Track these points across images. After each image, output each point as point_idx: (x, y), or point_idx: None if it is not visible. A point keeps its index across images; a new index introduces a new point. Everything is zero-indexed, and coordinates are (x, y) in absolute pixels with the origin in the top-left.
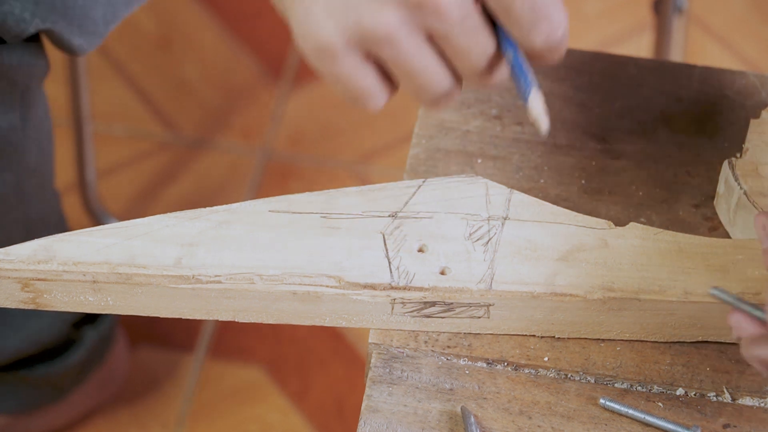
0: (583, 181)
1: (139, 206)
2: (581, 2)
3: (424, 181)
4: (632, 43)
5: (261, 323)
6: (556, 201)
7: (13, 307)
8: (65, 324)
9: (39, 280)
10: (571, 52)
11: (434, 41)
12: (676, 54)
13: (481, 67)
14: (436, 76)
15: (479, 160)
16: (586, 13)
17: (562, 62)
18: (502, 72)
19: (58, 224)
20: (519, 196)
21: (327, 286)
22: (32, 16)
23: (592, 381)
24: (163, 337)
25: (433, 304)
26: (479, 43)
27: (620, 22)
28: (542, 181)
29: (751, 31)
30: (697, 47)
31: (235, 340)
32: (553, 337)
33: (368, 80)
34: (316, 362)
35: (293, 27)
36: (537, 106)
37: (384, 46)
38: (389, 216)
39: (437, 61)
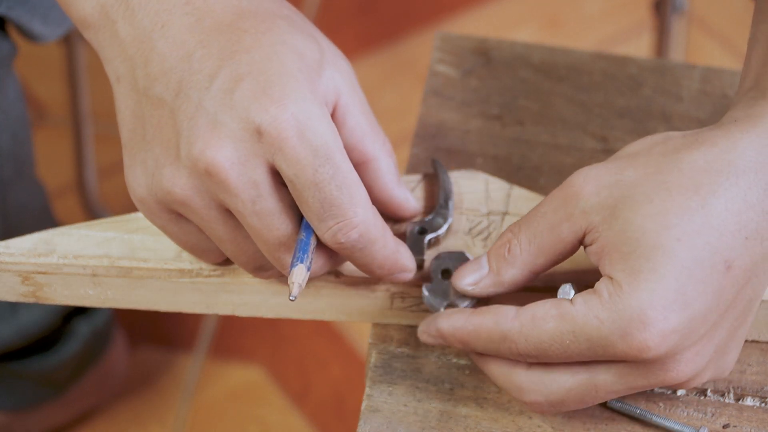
0: None
1: None
2: (581, 2)
3: (423, 176)
4: (632, 43)
5: (261, 323)
6: None
7: (14, 300)
8: (55, 315)
9: (39, 273)
10: (571, 52)
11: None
12: (676, 54)
13: (273, 248)
14: (237, 246)
15: (479, 160)
16: (586, 13)
17: (562, 62)
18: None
19: (41, 215)
20: (519, 192)
21: (326, 280)
22: None
23: None
24: (163, 337)
25: None
26: (271, 226)
27: (620, 22)
28: (542, 181)
29: None
30: (697, 47)
31: (235, 340)
32: None
33: (186, 236)
34: (316, 362)
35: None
36: (295, 278)
37: (183, 210)
38: None
39: (237, 233)
